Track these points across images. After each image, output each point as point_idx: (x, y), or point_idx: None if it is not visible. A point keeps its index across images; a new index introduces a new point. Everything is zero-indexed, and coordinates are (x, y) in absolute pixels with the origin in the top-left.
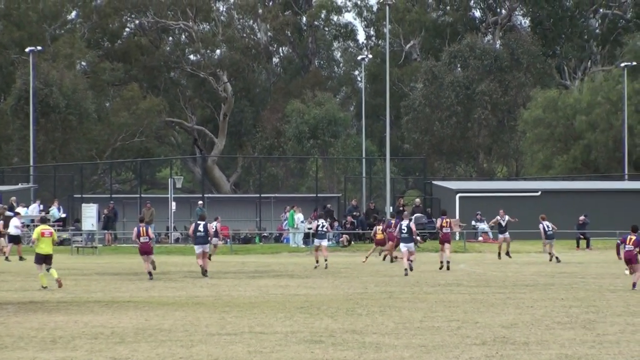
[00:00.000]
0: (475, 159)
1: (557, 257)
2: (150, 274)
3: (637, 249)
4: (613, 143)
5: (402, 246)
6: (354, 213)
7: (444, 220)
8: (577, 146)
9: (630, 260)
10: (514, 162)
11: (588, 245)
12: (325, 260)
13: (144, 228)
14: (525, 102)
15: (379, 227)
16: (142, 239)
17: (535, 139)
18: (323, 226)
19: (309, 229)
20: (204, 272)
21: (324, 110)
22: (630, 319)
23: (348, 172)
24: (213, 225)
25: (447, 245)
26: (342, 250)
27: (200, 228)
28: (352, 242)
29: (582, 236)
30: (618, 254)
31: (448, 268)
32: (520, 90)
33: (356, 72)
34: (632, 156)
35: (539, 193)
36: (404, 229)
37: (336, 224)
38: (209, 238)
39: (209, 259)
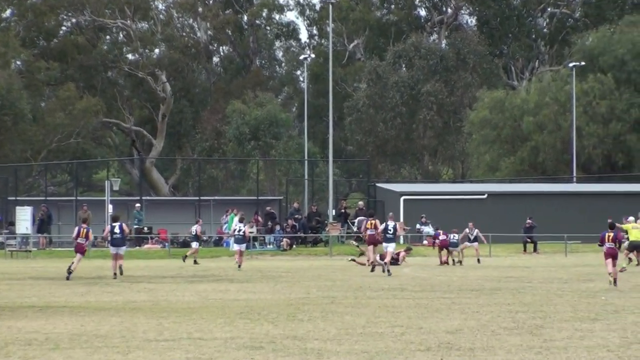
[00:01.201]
0: (420, 160)
1: (460, 261)
2: (69, 272)
3: (618, 244)
4: (561, 145)
5: (385, 246)
6: (296, 216)
7: (369, 222)
8: (525, 148)
9: (612, 256)
10: (460, 164)
11: (535, 249)
12: (239, 265)
13: (85, 230)
14: (472, 102)
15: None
16: (79, 240)
17: (482, 141)
18: (240, 230)
19: (239, 231)
20: (115, 275)
21: (265, 111)
22: (578, 325)
23: (290, 174)
24: (193, 229)
25: (374, 247)
26: (284, 254)
27: (116, 230)
28: (294, 246)
29: (529, 240)
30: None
31: (389, 273)
32: (467, 91)
33: (298, 72)
34: (581, 158)
35: (485, 196)
36: (389, 230)
37: (277, 227)
38: (125, 240)
39: (195, 262)
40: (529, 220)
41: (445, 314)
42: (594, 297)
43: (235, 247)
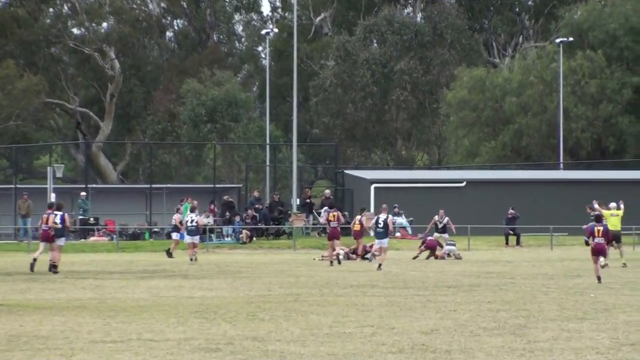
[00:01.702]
0: (392, 145)
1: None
2: (53, 266)
3: (606, 240)
4: (547, 128)
5: (377, 242)
6: (256, 206)
7: (331, 214)
8: (507, 131)
9: (601, 252)
10: (436, 149)
11: (518, 242)
12: (191, 259)
13: (46, 216)
14: (449, 82)
15: (358, 218)
16: (43, 226)
17: (460, 123)
18: (193, 221)
19: (191, 222)
20: (51, 268)
21: (223, 91)
22: (565, 324)
23: (250, 160)
24: (174, 219)
25: (336, 241)
26: (243, 248)
27: (57, 220)
28: (254, 239)
29: (511, 232)
30: (588, 244)
31: (339, 262)
32: (444, 69)
33: (260, 48)
34: (568, 143)
35: (463, 184)
36: (380, 224)
37: (237, 218)
38: (66, 230)
39: (170, 256)
40: (511, 211)
41: (419, 312)
42: (582, 294)
43: (188, 239)
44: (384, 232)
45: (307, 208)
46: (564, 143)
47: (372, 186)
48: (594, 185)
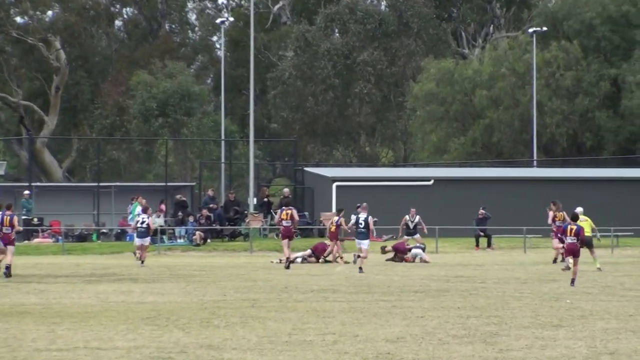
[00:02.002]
0: (355, 141)
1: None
2: (7, 268)
3: (580, 240)
4: (519, 123)
5: (357, 243)
6: (211, 205)
7: (284, 212)
8: (477, 126)
9: (574, 253)
10: (402, 145)
11: (489, 244)
12: (141, 260)
13: (8, 217)
14: (416, 74)
15: (335, 219)
16: (4, 229)
17: (427, 118)
18: (143, 222)
19: (141, 223)
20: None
21: (175, 83)
22: (539, 332)
23: (204, 157)
24: (144, 218)
25: (288, 242)
26: (196, 250)
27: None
28: (208, 240)
29: (482, 233)
30: (562, 243)
31: (287, 266)
32: (410, 60)
33: (214, 38)
34: (542, 138)
35: (431, 182)
36: (360, 223)
37: (190, 218)
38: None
39: (142, 263)
40: (482, 211)
41: (384, 319)
42: (558, 299)
43: (137, 241)
44: (366, 232)
45: (264, 208)
46: (538, 139)
47: (334, 184)
48: (569, 184)
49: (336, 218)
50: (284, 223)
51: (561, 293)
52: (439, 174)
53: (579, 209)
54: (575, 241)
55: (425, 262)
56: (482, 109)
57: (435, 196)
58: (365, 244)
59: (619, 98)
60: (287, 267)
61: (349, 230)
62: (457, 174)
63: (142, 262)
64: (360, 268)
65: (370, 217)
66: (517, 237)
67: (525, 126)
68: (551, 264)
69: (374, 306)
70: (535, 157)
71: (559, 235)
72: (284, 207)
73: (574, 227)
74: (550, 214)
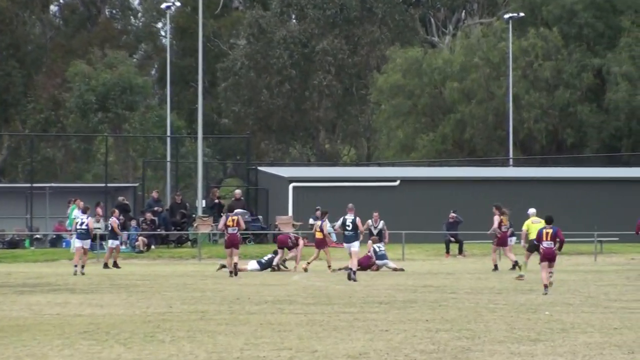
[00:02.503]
0: (314, 138)
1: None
2: None
3: (558, 245)
4: (494, 118)
5: (346, 247)
6: (155, 208)
7: (230, 219)
8: (448, 122)
9: (549, 258)
10: (365, 143)
11: (460, 251)
12: (82, 267)
13: None
14: (380, 64)
15: (318, 224)
16: None
17: (393, 113)
18: (83, 223)
19: (81, 224)
20: None
21: (116, 74)
22: (516, 347)
23: (148, 155)
24: (83, 219)
25: (234, 250)
26: (139, 257)
27: None
28: (152, 247)
29: (452, 239)
30: (538, 251)
31: (235, 274)
32: (374, 49)
33: (159, 25)
34: (519, 135)
35: (397, 182)
36: (348, 225)
37: (132, 222)
38: None
39: (115, 265)
40: (452, 214)
41: (345, 333)
42: (536, 311)
43: (77, 243)
44: (354, 234)
45: (214, 211)
46: (514, 135)
47: (291, 185)
48: (548, 185)
49: (319, 222)
50: (230, 230)
51: (539, 304)
52: (406, 173)
53: (532, 210)
54: (552, 246)
55: (396, 270)
56: (453, 102)
57: (402, 198)
58: (355, 245)
59: (603, 91)
60: (235, 274)
61: (336, 232)
62: (426, 173)
63: (81, 267)
64: (354, 274)
65: (358, 218)
66: (491, 243)
67: (500, 121)
68: (509, 271)
69: (334, 319)
70: (511, 156)
71: (535, 241)
72: (229, 213)
73: (550, 231)
74: (496, 219)
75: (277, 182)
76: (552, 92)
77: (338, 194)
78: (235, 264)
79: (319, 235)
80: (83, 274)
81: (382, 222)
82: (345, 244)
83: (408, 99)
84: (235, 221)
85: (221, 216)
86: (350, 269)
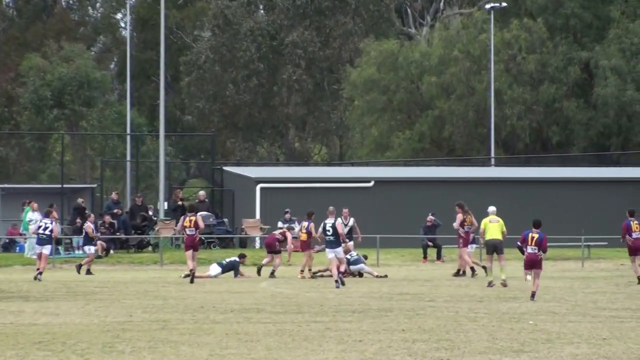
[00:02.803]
0: (283, 136)
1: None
2: None
3: (541, 252)
4: (475, 114)
5: (329, 252)
6: (115, 211)
7: (187, 219)
8: (425, 119)
9: (533, 265)
10: (337, 141)
11: (439, 256)
12: (39, 272)
13: None
14: (354, 57)
15: (305, 225)
16: None
17: (367, 109)
18: (46, 228)
19: (44, 228)
20: None
21: (73, 68)
22: (498, 358)
23: (106, 154)
24: (47, 223)
25: (193, 253)
26: (98, 263)
27: None
28: (111, 251)
29: (430, 243)
30: (523, 252)
31: (192, 280)
32: (347, 41)
33: (119, 16)
34: (501, 133)
35: (371, 183)
36: (328, 230)
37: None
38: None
39: (89, 272)
40: (430, 217)
41: (317, 343)
42: (519, 321)
43: (37, 249)
44: (336, 239)
45: (177, 213)
46: (496, 133)
47: (258, 186)
48: (533, 186)
49: (306, 224)
50: (188, 231)
51: (522, 313)
52: (381, 174)
53: (492, 208)
54: (536, 251)
55: (379, 276)
56: (430, 98)
57: (376, 200)
58: (339, 252)
59: (590, 86)
60: (192, 282)
61: (319, 239)
62: (402, 174)
63: (39, 274)
64: (341, 280)
65: (339, 221)
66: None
67: (481, 118)
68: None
69: (305, 328)
70: (492, 155)
71: (518, 242)
72: (187, 214)
73: (536, 236)
74: (459, 217)
75: (243, 182)
76: (537, 87)
77: (308, 195)
78: (193, 270)
79: (303, 237)
80: (40, 280)
81: (352, 219)
82: (327, 249)
83: (383, 95)
84: (192, 222)
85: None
86: (338, 275)
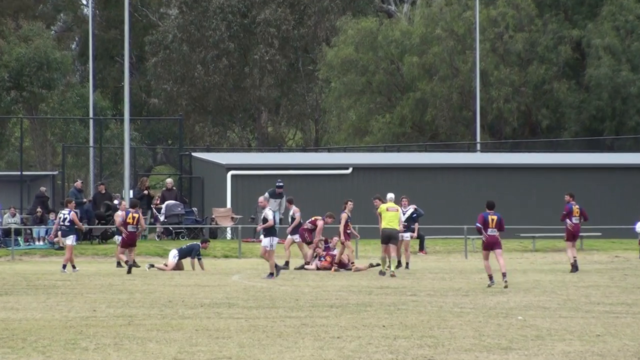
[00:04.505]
0: (255, 120)
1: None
2: None
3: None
4: (459, 97)
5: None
6: (78, 199)
7: (131, 215)
8: (406, 101)
9: (494, 246)
10: (313, 125)
11: (422, 248)
12: (72, 265)
13: None
14: (330, 36)
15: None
16: None
17: (345, 91)
18: (65, 219)
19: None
20: None
21: (32, 48)
22: (485, 356)
23: (68, 140)
24: (65, 214)
25: (132, 249)
26: (59, 254)
27: None
28: (75, 243)
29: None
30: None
31: (129, 270)
32: (322, 19)
33: None
34: (487, 116)
35: (349, 170)
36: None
37: (51, 216)
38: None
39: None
40: (411, 206)
41: (292, 340)
42: (507, 316)
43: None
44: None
45: (144, 202)
46: (482, 117)
47: (229, 173)
48: (521, 172)
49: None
50: (130, 228)
51: (511, 308)
52: (359, 160)
53: (390, 195)
54: (496, 233)
55: (358, 269)
56: (412, 79)
57: (355, 188)
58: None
59: (582, 66)
60: (128, 271)
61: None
62: (382, 160)
63: (73, 266)
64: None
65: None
66: (457, 238)
67: (466, 101)
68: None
69: (279, 324)
70: (478, 140)
71: (477, 224)
72: (129, 209)
73: (495, 217)
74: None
75: (213, 169)
76: (525, 68)
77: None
78: (130, 262)
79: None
80: (74, 270)
81: (411, 207)
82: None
83: (361, 76)
84: (136, 219)
85: (150, 208)
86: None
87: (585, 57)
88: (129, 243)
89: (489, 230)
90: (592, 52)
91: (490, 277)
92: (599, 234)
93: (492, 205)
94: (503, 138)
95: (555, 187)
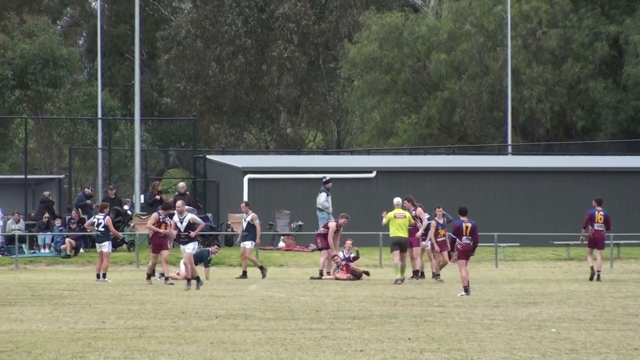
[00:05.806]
0: (273, 121)
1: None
2: None
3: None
4: (489, 97)
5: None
6: (87, 202)
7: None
8: (433, 101)
9: (468, 254)
10: (335, 126)
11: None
12: (104, 275)
13: None
14: (352, 32)
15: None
16: None
17: (368, 90)
18: (99, 224)
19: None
20: None
21: (37, 45)
22: None
23: (75, 141)
24: (100, 219)
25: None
26: (66, 263)
27: None
28: (81, 250)
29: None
30: (452, 249)
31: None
32: (345, 14)
33: None
34: (519, 117)
35: (373, 174)
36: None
37: (57, 222)
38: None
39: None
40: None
41: (312, 353)
42: (540, 328)
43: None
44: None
45: (155, 207)
46: (514, 118)
47: (246, 177)
48: (554, 176)
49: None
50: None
51: (544, 320)
52: (384, 163)
53: (397, 200)
54: (470, 241)
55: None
56: (439, 78)
57: (379, 192)
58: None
59: (620, 64)
60: (98, 278)
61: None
62: (407, 163)
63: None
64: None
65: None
66: (487, 246)
67: (496, 101)
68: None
69: (299, 337)
70: (509, 142)
71: (452, 234)
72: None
73: (469, 225)
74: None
75: (229, 173)
76: (559, 66)
77: (302, 187)
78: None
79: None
80: (106, 281)
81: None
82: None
83: (386, 74)
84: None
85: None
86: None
87: (623, 54)
88: (159, 247)
89: (464, 238)
90: (630, 49)
91: (465, 289)
92: (638, 241)
93: (464, 211)
94: (536, 140)
95: (590, 192)
